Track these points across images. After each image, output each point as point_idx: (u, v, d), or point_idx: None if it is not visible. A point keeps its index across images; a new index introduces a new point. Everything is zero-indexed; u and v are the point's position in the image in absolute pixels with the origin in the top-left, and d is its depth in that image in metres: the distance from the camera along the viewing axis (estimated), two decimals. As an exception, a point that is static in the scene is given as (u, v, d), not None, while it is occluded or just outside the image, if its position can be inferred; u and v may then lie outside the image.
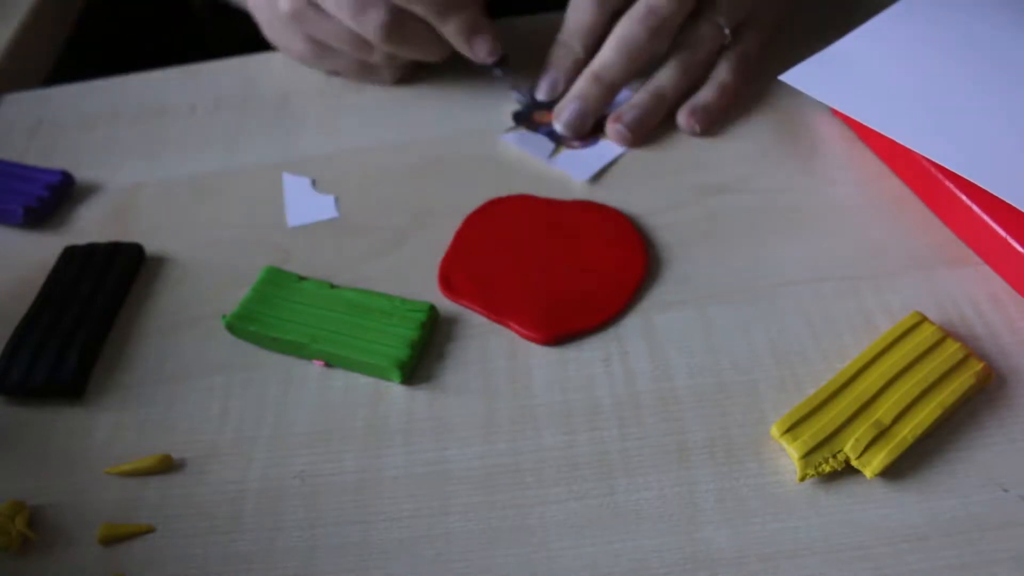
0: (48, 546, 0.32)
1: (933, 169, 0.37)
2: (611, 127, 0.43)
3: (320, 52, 0.47)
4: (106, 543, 0.32)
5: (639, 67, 0.43)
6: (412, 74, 0.49)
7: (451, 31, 0.43)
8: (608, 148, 0.44)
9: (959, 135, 0.36)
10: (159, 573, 0.31)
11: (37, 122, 0.50)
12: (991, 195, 0.34)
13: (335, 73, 0.49)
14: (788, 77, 0.41)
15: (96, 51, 0.67)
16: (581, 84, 0.44)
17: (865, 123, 0.38)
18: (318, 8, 0.43)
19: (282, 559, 0.31)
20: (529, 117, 0.46)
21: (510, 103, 0.47)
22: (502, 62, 0.45)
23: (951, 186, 0.37)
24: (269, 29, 0.48)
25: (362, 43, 0.44)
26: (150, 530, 0.32)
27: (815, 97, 0.40)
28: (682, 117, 0.44)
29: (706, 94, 0.44)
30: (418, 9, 0.41)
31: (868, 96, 0.39)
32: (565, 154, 0.44)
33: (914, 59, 0.39)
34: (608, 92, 0.44)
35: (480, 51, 0.44)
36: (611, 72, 0.43)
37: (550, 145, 0.44)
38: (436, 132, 0.46)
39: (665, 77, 0.44)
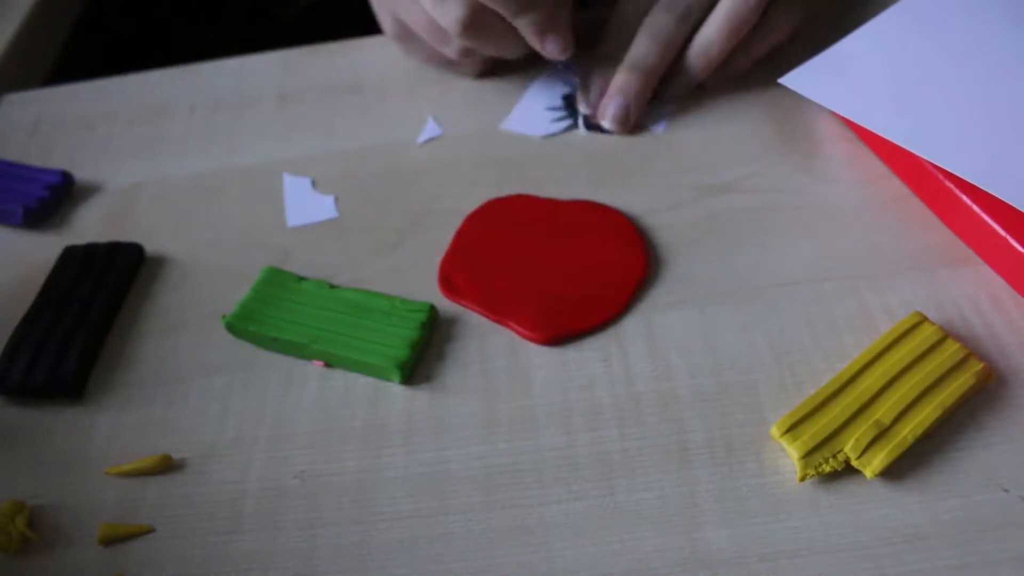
0: (48, 546, 0.32)
1: (933, 169, 0.37)
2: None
3: (404, 35, 0.47)
4: (106, 543, 0.32)
5: (674, 54, 0.44)
6: (492, 69, 0.48)
7: (524, 27, 0.43)
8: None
9: (959, 137, 0.36)
10: (159, 573, 0.31)
11: (37, 122, 0.50)
12: (991, 195, 0.34)
13: (423, 61, 0.49)
14: (788, 80, 0.40)
15: (96, 51, 0.67)
16: (619, 78, 0.44)
17: (865, 126, 0.38)
18: None
19: (282, 559, 0.31)
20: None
21: (511, 105, 0.46)
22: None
23: (951, 186, 0.37)
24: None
25: (440, 33, 0.44)
26: (150, 530, 0.32)
27: (815, 100, 0.40)
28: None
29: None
30: (495, 5, 0.41)
31: (868, 99, 0.39)
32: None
33: (914, 61, 0.39)
34: (648, 81, 0.44)
35: (552, 49, 0.44)
36: (647, 61, 0.43)
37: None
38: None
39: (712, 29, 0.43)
